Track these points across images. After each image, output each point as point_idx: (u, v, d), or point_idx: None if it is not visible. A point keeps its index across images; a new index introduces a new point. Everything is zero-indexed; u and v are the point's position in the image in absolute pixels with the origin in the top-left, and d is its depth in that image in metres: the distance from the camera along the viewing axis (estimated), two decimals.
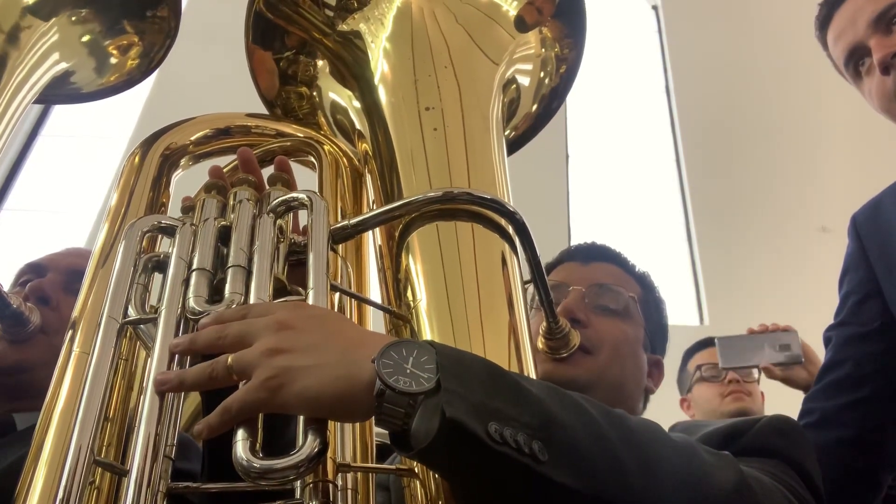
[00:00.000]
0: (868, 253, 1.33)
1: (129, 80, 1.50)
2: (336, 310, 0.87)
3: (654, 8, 7.51)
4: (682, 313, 5.26)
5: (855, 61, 1.31)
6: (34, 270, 1.42)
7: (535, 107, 1.27)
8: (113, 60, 1.47)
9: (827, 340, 1.39)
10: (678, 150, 6.38)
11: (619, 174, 6.27)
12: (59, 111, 6.31)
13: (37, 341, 1.30)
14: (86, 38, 1.42)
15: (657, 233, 5.83)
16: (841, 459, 1.25)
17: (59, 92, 1.46)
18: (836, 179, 5.32)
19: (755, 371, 2.41)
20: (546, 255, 0.98)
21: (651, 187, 6.21)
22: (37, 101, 1.38)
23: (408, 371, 0.64)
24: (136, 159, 1.09)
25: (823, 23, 1.36)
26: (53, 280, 1.39)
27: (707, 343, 2.59)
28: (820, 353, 1.58)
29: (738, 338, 2.08)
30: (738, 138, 6.03)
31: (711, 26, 6.72)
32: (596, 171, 6.30)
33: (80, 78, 1.47)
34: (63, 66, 1.41)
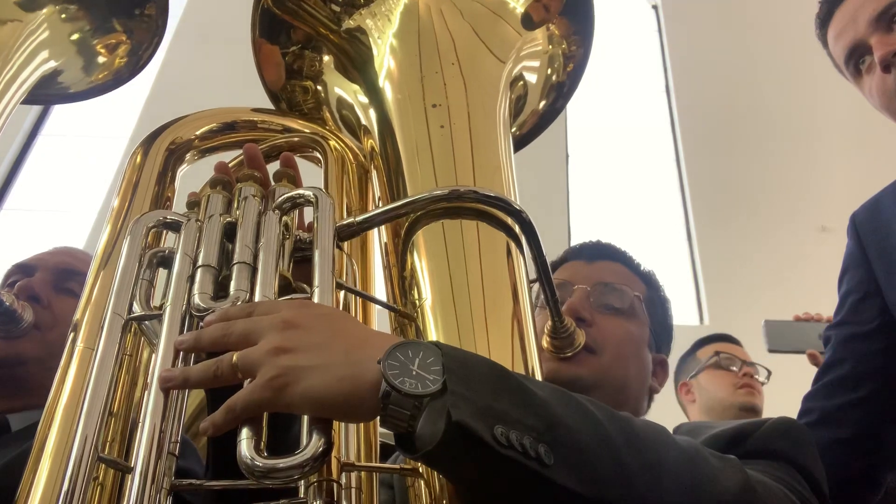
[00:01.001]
0: (867, 252, 1.32)
1: (118, 80, 1.49)
2: (341, 308, 0.86)
3: (654, 8, 7.51)
4: (682, 313, 5.27)
5: (855, 59, 1.30)
6: (22, 270, 1.42)
7: (542, 104, 1.26)
8: (101, 59, 1.46)
9: (826, 340, 1.38)
10: (678, 150, 6.38)
11: (619, 174, 6.28)
12: (58, 111, 6.30)
13: (31, 337, 1.31)
14: (74, 37, 1.41)
15: (657, 232, 5.83)
16: (840, 459, 1.24)
17: (46, 91, 1.45)
18: (835, 179, 5.33)
19: (763, 370, 2.42)
20: (546, 255, 0.98)
21: (651, 187, 6.22)
22: (24, 102, 1.37)
23: (414, 373, 0.64)
24: (139, 158, 1.08)
25: (824, 21, 1.35)
26: (43, 279, 1.38)
27: (724, 338, 2.59)
28: None
29: (786, 323, 2.06)
30: (738, 138, 6.03)
31: (711, 26, 6.73)
32: (596, 170, 6.30)
33: (68, 77, 1.46)
34: (51, 64, 1.40)
